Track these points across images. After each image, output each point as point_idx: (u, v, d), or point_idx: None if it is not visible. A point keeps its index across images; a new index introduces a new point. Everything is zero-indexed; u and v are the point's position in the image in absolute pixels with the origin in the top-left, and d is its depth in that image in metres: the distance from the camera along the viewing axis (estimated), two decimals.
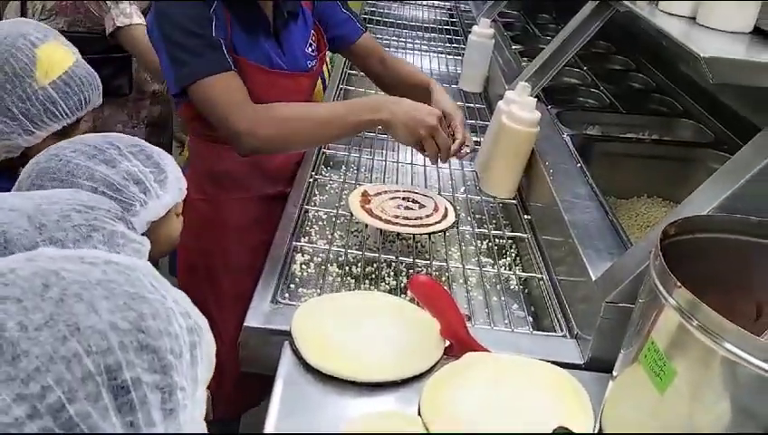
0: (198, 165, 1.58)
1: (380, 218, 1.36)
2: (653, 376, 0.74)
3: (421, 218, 1.41)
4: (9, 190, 0.90)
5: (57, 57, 1.13)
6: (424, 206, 1.47)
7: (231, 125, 1.25)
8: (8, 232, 0.68)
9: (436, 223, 1.39)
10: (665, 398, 0.73)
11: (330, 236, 1.43)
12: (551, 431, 0.76)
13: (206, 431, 0.57)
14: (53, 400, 0.45)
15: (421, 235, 1.39)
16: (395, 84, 1.65)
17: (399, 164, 1.76)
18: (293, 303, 1.13)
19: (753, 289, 0.88)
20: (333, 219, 1.49)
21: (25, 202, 0.72)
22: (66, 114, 1.15)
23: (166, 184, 0.97)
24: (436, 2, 3.74)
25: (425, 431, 0.86)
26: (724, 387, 0.68)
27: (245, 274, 1.32)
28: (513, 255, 1.48)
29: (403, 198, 1.48)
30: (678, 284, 0.71)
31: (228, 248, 1.57)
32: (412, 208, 1.45)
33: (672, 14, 1.15)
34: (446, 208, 1.46)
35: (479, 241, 1.48)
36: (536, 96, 1.74)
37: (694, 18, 1.13)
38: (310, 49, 1.56)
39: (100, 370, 0.47)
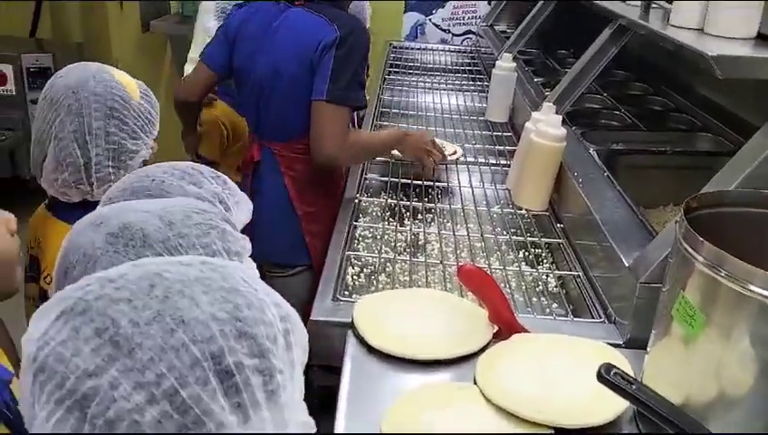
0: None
1: None
2: (685, 326, 0.82)
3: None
4: None
5: (127, 78, 1.32)
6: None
7: (333, 147, 1.64)
8: (146, 229, 0.78)
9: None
10: (697, 344, 0.81)
11: (377, 251, 1.54)
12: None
13: (306, 411, 0.62)
14: (167, 385, 0.50)
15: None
16: None
17: (436, 186, 1.88)
18: (353, 300, 1.24)
19: None
20: (379, 236, 1.60)
21: (153, 205, 0.81)
22: (156, 119, 1.34)
23: (240, 205, 1.05)
24: (458, 46, 3.95)
25: (479, 398, 0.95)
26: (753, 327, 0.77)
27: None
28: (550, 261, 1.57)
29: None
30: (702, 240, 0.80)
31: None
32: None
33: (681, 27, 1.28)
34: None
35: (517, 250, 1.58)
36: (562, 118, 1.87)
37: (701, 29, 1.25)
38: None
39: (206, 356, 0.51)
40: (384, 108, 2.49)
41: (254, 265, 0.88)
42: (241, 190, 1.08)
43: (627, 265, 1.17)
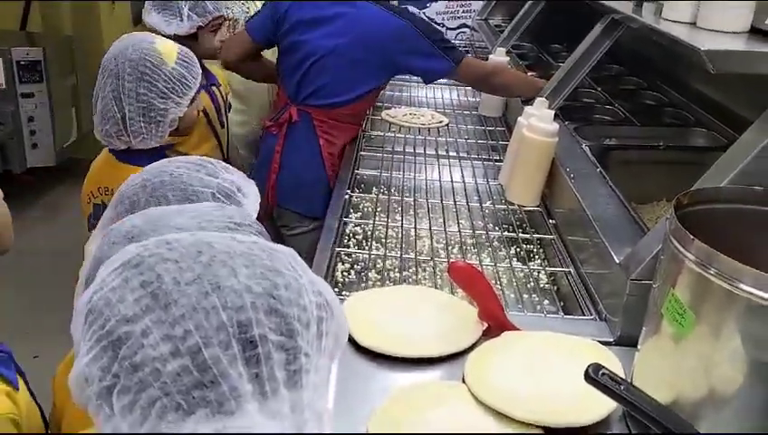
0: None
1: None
2: (675, 325, 0.81)
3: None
4: None
5: (168, 46, 1.51)
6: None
7: (491, 73, 2.06)
8: None
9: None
10: (686, 345, 0.80)
11: (367, 247, 1.53)
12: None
13: (327, 399, 0.62)
14: (192, 343, 0.53)
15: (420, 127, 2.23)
16: None
17: (429, 181, 1.87)
18: (341, 297, 1.23)
19: (763, 257, 0.95)
20: (369, 232, 1.59)
21: (187, 221, 0.80)
22: (193, 83, 1.53)
23: (252, 190, 1.10)
24: (452, 40, 3.92)
25: (468, 396, 0.94)
26: (743, 326, 0.76)
27: None
28: (542, 257, 1.56)
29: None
30: (692, 237, 0.79)
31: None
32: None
33: (674, 21, 1.26)
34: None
35: (509, 246, 1.57)
36: (554, 114, 1.85)
37: (694, 23, 1.24)
38: None
39: (233, 323, 0.54)
40: (377, 101, 2.47)
41: None
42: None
43: (617, 261, 1.16)
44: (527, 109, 1.71)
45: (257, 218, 0.93)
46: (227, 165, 1.11)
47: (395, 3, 2.30)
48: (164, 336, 0.53)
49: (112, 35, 3.94)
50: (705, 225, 0.91)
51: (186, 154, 2.28)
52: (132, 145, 1.52)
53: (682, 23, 1.25)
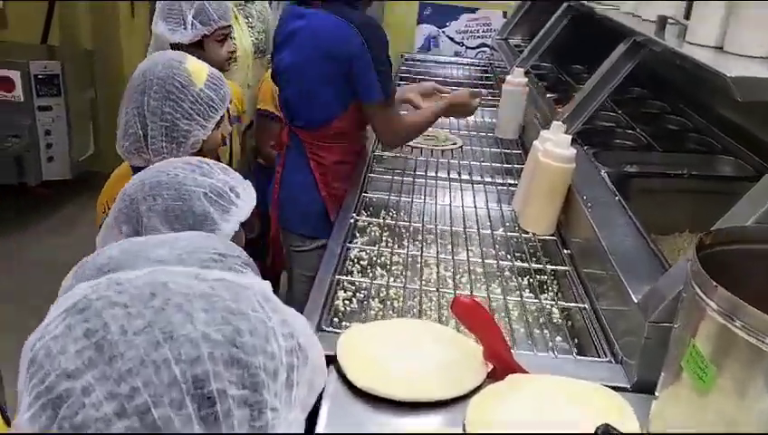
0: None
1: None
2: (696, 379, 0.73)
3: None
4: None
5: (198, 67, 1.48)
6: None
7: (399, 131, 1.93)
8: None
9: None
10: (708, 399, 0.72)
11: (371, 274, 1.46)
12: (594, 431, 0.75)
13: None
14: (140, 401, 0.48)
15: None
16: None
17: (438, 205, 1.80)
18: (338, 331, 1.16)
19: None
20: (375, 258, 1.53)
21: (167, 252, 0.77)
22: (221, 106, 1.49)
23: (248, 192, 1.15)
24: (471, 59, 3.87)
25: None
26: None
27: None
28: (555, 289, 1.48)
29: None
30: (716, 285, 0.71)
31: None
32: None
33: (699, 44, 1.19)
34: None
35: (520, 277, 1.50)
36: (573, 138, 1.78)
37: (720, 47, 1.17)
38: None
39: (187, 377, 0.49)
40: None
41: None
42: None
43: (635, 301, 1.08)
44: (543, 133, 1.64)
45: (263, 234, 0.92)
46: (226, 167, 1.14)
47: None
48: (108, 394, 0.48)
49: (132, 50, 3.97)
50: (731, 266, 0.83)
51: None
52: (152, 163, 1.48)
53: (707, 46, 1.18)
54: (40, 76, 3.56)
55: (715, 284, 0.72)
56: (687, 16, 1.28)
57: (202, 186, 1.06)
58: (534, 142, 1.65)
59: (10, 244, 3.49)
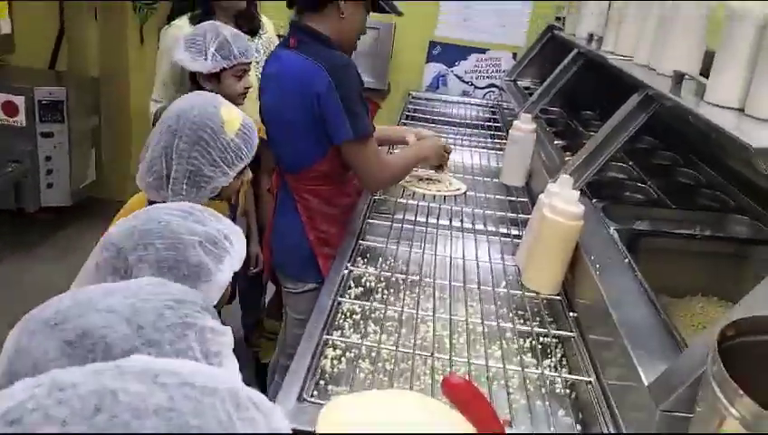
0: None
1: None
2: None
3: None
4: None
5: (233, 115, 1.47)
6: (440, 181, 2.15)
7: (377, 172, 1.81)
8: (108, 336, 0.68)
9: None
10: None
11: (363, 330, 1.38)
12: None
13: None
14: None
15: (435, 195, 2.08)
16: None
17: (438, 256, 1.72)
18: (321, 402, 1.07)
19: None
20: (368, 312, 1.44)
21: (119, 301, 0.71)
22: (248, 155, 1.48)
23: (240, 240, 1.10)
24: (479, 100, 3.83)
25: None
26: None
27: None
28: (559, 355, 1.39)
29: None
30: (741, 392, 0.62)
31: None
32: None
33: (719, 105, 1.12)
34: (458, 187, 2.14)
35: (522, 339, 1.40)
36: (580, 190, 1.70)
37: (741, 109, 1.09)
38: None
39: None
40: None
41: (236, 364, 0.79)
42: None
43: (646, 383, 0.99)
44: (550, 186, 1.56)
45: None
46: (215, 212, 1.10)
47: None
48: None
49: (139, 78, 3.95)
50: (754, 358, 0.74)
51: None
52: (169, 201, 1.44)
53: (728, 108, 1.11)
54: (44, 102, 3.53)
55: (740, 392, 0.63)
56: (706, 74, 1.21)
57: (196, 234, 1.02)
58: (540, 196, 1.57)
59: (7, 268, 3.43)
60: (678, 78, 1.31)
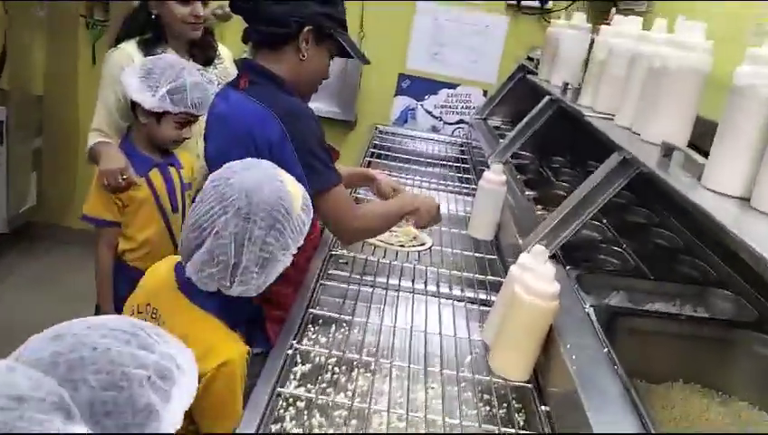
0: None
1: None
2: None
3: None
4: None
5: (296, 187, 1.31)
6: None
7: (348, 222, 1.63)
8: None
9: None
10: None
11: (307, 423, 1.20)
12: None
13: None
14: None
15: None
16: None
17: (397, 329, 1.54)
18: None
19: None
20: (313, 399, 1.26)
21: None
22: (306, 230, 1.31)
23: (192, 366, 0.86)
24: (448, 136, 3.70)
25: None
26: None
27: None
28: None
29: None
30: None
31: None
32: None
33: (719, 193, 0.98)
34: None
35: None
36: (553, 254, 1.56)
37: (746, 199, 0.95)
38: None
39: None
40: (359, 196, 2.19)
41: None
42: None
43: None
44: (523, 258, 1.41)
45: None
46: (159, 330, 0.86)
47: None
48: None
49: (89, 97, 3.69)
50: None
51: (128, 238, 2.06)
52: (224, 292, 1.27)
53: (729, 196, 0.97)
54: None
55: None
56: (694, 145, 1.08)
57: (144, 366, 0.78)
58: (512, 269, 1.42)
59: None
60: (668, 151, 1.17)
